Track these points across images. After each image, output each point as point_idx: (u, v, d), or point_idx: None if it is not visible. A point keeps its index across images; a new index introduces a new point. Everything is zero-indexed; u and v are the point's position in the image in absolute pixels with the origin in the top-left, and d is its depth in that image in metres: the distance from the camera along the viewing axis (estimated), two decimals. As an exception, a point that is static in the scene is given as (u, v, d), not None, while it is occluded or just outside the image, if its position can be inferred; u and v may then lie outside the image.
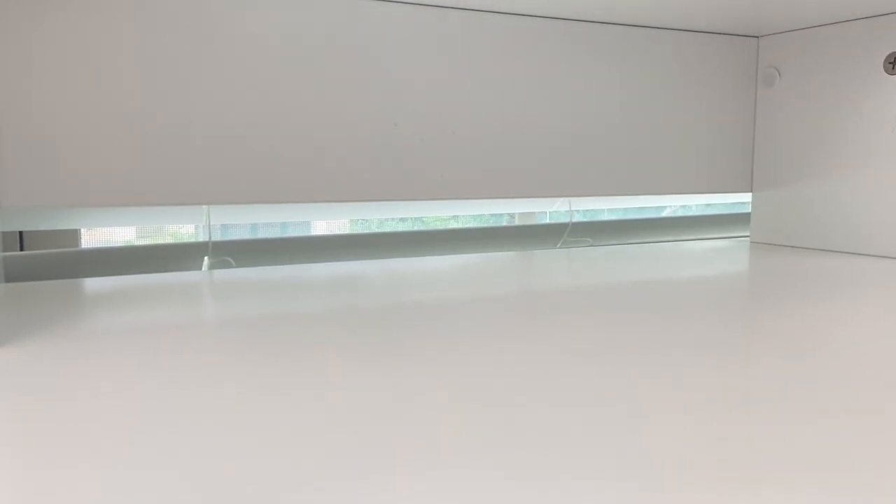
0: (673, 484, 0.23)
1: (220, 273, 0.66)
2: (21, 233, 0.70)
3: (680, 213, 1.11)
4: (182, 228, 0.86)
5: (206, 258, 0.72)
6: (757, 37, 0.88)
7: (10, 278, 0.65)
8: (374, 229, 0.92)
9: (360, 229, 0.92)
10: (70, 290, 0.57)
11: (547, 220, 0.96)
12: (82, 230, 0.74)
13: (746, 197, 1.00)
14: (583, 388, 0.32)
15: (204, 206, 0.72)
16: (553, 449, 0.26)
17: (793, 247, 0.85)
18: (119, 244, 0.77)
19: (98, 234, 0.80)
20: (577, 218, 0.94)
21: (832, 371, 0.35)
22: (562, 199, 0.90)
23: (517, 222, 0.97)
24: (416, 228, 0.90)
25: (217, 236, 0.74)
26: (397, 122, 0.71)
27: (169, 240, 0.88)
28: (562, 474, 0.24)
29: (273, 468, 0.24)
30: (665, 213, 1.12)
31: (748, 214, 0.95)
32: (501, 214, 0.97)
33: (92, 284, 0.60)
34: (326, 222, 0.93)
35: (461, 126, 0.74)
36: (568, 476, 0.24)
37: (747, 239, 0.93)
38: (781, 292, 0.56)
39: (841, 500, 0.22)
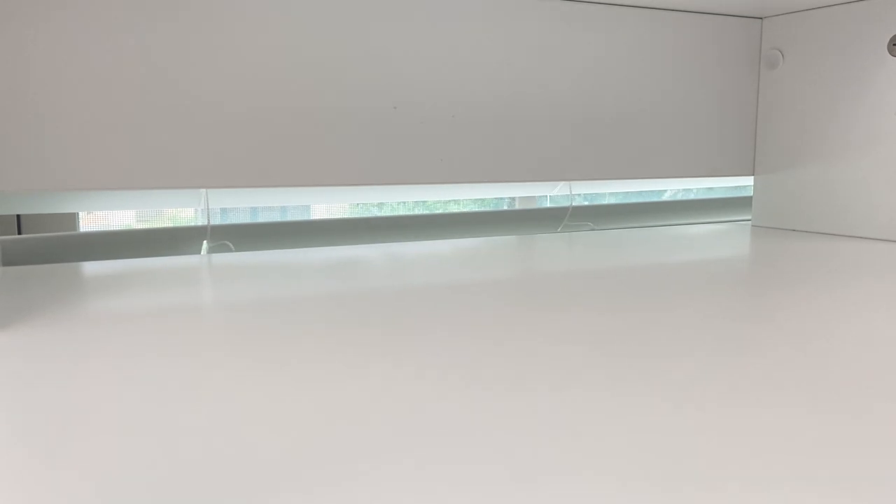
0: (672, 478, 0.23)
1: (218, 257, 0.66)
2: (19, 216, 0.70)
3: (681, 197, 1.11)
4: (181, 212, 0.86)
5: (204, 242, 0.72)
6: (760, 18, 0.87)
7: (7, 262, 0.64)
8: (374, 213, 0.92)
9: (359, 213, 0.91)
10: (68, 273, 0.57)
11: (548, 204, 0.95)
12: (80, 214, 0.74)
13: (748, 180, 1.00)
14: (583, 373, 0.32)
15: (203, 190, 0.72)
16: (552, 439, 0.26)
17: (794, 230, 0.84)
18: (117, 228, 0.77)
19: (96, 218, 0.80)
20: (578, 202, 0.93)
21: (835, 355, 0.35)
22: (562, 182, 0.90)
23: (518, 206, 0.97)
24: (415, 212, 0.90)
25: (216, 220, 0.74)
26: (396, 105, 0.70)
27: (168, 223, 0.87)
28: (560, 467, 0.24)
29: (271, 454, 0.24)
30: (666, 197, 1.11)
31: (750, 198, 0.95)
32: (502, 198, 0.97)
33: (90, 268, 0.59)
34: (326, 206, 0.93)
35: (461, 109, 0.73)
36: (566, 468, 0.23)
37: (749, 222, 0.93)
38: (783, 276, 0.56)
39: (841, 495, 0.22)
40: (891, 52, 0.74)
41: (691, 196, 1.12)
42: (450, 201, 0.96)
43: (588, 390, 0.30)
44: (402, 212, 0.94)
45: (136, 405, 0.28)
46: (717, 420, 0.27)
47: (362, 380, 0.31)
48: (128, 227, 0.76)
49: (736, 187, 1.14)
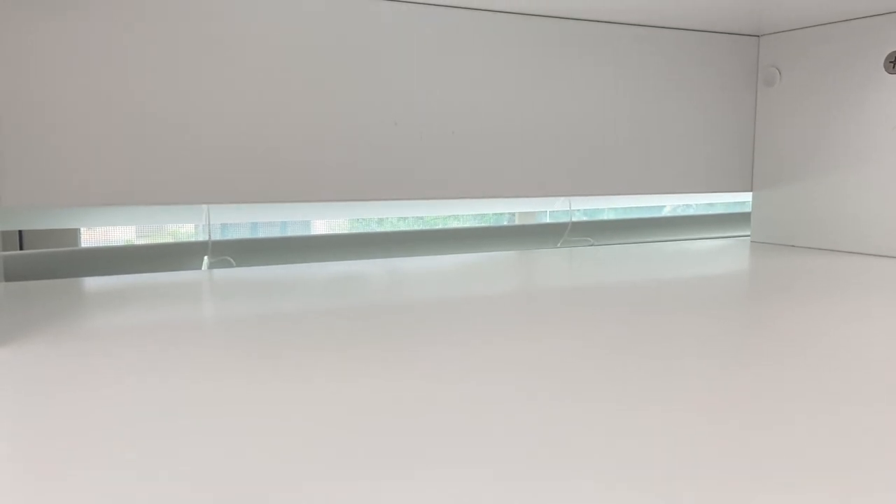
0: (671, 485, 0.23)
1: (219, 272, 0.66)
2: (21, 232, 0.70)
3: (680, 213, 1.11)
4: (182, 228, 0.86)
5: (205, 257, 0.72)
6: (757, 36, 0.88)
7: (9, 277, 0.65)
8: (374, 228, 0.92)
9: (359, 228, 0.92)
10: (70, 289, 0.57)
11: (547, 220, 0.96)
12: (82, 229, 0.74)
13: (747, 196, 1.00)
14: (582, 387, 0.32)
15: (204, 206, 0.72)
16: (553, 449, 0.26)
17: (793, 246, 0.85)
18: (119, 243, 0.77)
19: (98, 234, 0.80)
20: (578, 217, 0.94)
21: (833, 371, 0.35)
22: (562, 198, 0.90)
23: (517, 221, 0.97)
24: (415, 227, 0.90)
25: (217, 235, 0.74)
26: (397, 121, 0.71)
27: (169, 239, 0.88)
28: (560, 475, 0.24)
29: (271, 468, 0.24)
30: (665, 212, 1.12)
31: (748, 214, 0.95)
32: (502, 214, 0.97)
33: (91, 283, 0.60)
34: (326, 221, 0.93)
35: (461, 125, 0.74)
36: (566, 476, 0.23)
37: (748, 238, 0.93)
38: (782, 292, 0.56)
39: (841, 500, 0.22)
40: (887, 70, 0.74)
41: (691, 212, 1.12)
42: (450, 217, 0.97)
43: (594, 399, 0.30)
44: (401, 227, 0.94)
45: (138, 420, 0.28)
46: (721, 425, 0.27)
47: (364, 394, 0.31)
48: (129, 243, 0.76)
49: (735, 203, 1.14)
